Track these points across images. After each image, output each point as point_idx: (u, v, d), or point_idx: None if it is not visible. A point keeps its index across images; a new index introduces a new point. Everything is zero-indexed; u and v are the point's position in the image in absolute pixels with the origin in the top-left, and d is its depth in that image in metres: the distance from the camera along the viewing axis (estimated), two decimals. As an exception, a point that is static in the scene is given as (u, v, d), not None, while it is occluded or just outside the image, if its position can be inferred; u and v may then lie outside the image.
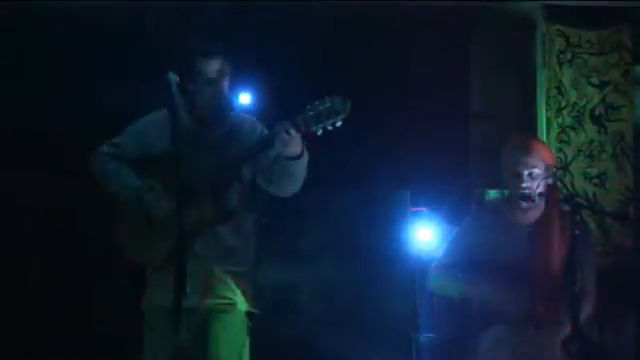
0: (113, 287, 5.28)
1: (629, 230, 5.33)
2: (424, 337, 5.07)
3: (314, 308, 5.35)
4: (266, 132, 4.09)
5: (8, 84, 5.39)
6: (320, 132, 3.86)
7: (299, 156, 3.95)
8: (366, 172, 5.43)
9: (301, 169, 4.02)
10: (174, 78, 4.01)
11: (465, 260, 4.45)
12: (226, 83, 4.08)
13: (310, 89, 5.42)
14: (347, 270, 5.38)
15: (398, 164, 5.45)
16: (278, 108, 5.41)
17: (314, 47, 5.52)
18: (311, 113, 3.83)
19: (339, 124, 3.84)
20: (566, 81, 5.51)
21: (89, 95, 5.35)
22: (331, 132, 3.90)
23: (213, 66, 4.04)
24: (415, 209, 5.23)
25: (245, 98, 5.40)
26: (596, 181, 5.47)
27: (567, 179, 5.44)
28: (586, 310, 4.29)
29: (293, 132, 3.84)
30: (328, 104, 3.83)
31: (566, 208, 4.33)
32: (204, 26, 5.17)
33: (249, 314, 4.16)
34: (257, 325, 4.29)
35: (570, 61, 5.51)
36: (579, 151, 5.50)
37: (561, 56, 5.51)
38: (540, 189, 4.33)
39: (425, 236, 5.12)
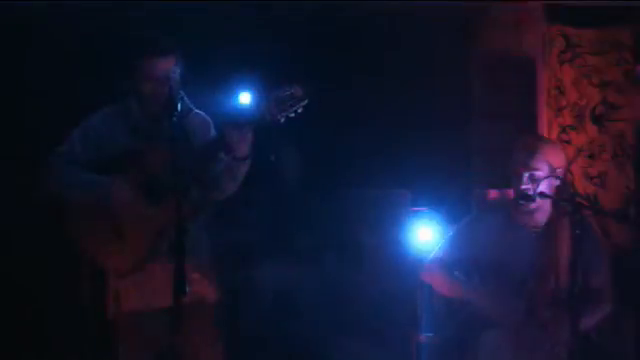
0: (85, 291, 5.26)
1: (629, 230, 5.33)
2: (424, 337, 5.07)
3: (314, 308, 5.35)
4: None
5: (7, 84, 5.39)
6: (283, 120, 3.88)
7: (246, 157, 3.97)
8: (366, 172, 5.43)
9: (244, 171, 4.03)
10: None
11: (462, 259, 4.45)
12: (174, 82, 4.00)
13: (310, 89, 5.43)
14: (347, 270, 5.38)
15: (398, 164, 5.45)
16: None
17: (314, 47, 5.52)
18: (273, 102, 3.86)
19: (300, 110, 3.88)
20: (567, 81, 5.50)
21: (89, 94, 5.34)
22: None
23: (158, 66, 4.00)
24: (415, 209, 5.22)
25: (245, 97, 5.39)
26: (596, 181, 5.47)
27: (567, 179, 5.44)
28: (605, 309, 4.31)
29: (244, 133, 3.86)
30: (288, 92, 3.87)
31: (569, 209, 4.33)
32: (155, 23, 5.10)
33: (217, 305, 4.15)
34: (258, 325, 4.29)
35: (571, 60, 5.51)
36: (580, 151, 5.49)
37: (562, 55, 5.51)
38: (541, 189, 4.32)
39: (425, 236, 5.11)
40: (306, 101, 3.88)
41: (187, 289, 3.57)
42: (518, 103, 5.62)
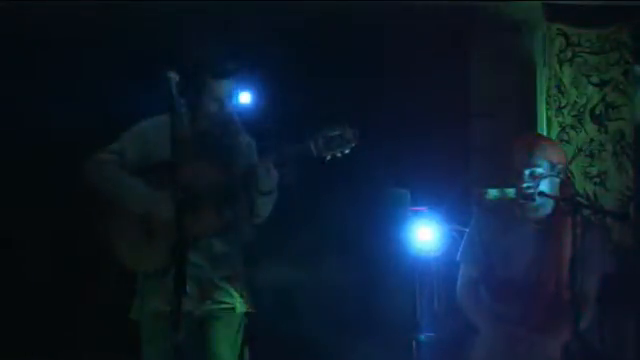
0: (111, 289, 5.27)
1: (629, 230, 5.32)
2: (424, 337, 5.07)
3: (314, 308, 5.35)
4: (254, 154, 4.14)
5: (8, 83, 5.38)
6: (328, 158, 3.95)
7: (271, 192, 4.00)
8: (366, 172, 5.42)
9: (268, 205, 4.08)
10: (174, 77, 4.01)
11: (485, 264, 4.44)
12: (231, 102, 4.10)
13: (310, 88, 5.43)
14: (347, 270, 5.37)
15: (398, 164, 5.45)
16: (278, 107, 5.43)
17: (314, 46, 5.51)
18: (322, 141, 3.90)
19: (347, 151, 3.96)
20: (566, 80, 5.50)
21: (90, 95, 5.35)
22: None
23: (223, 87, 4.05)
24: (415, 209, 5.22)
25: (245, 97, 5.39)
26: (596, 180, 5.47)
27: (568, 177, 5.43)
28: (585, 317, 4.27)
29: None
30: (338, 132, 3.94)
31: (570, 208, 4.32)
32: (218, 41, 5.15)
33: (247, 314, 4.17)
34: (258, 325, 4.29)
35: (570, 60, 5.50)
36: (579, 150, 5.49)
37: (561, 55, 5.50)
38: (542, 188, 4.32)
39: (425, 236, 5.12)
40: (354, 144, 3.95)
41: (188, 290, 3.58)
42: (517, 102, 5.61)
